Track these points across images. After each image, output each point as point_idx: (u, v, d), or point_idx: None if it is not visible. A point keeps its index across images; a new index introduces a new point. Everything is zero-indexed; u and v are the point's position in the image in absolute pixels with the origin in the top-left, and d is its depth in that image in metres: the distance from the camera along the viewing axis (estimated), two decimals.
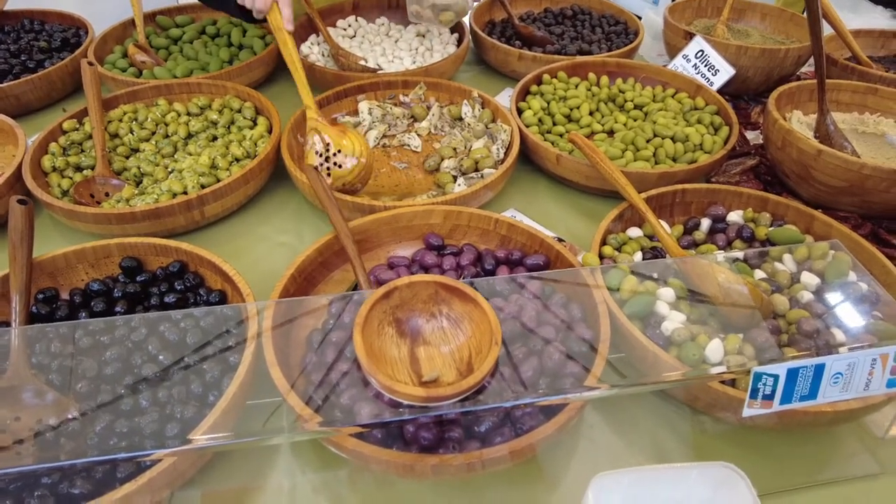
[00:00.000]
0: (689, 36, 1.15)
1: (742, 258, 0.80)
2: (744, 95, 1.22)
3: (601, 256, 0.78)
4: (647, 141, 0.97)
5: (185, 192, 0.86)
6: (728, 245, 0.83)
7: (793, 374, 0.56)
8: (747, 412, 0.57)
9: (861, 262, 0.78)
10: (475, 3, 1.34)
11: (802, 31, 1.20)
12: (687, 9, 1.34)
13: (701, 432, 0.69)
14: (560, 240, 0.89)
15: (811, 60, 1.19)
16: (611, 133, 1.05)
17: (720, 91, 1.14)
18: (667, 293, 0.69)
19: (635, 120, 1.07)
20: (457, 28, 1.30)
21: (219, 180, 0.89)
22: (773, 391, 0.57)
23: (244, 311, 0.67)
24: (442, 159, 0.99)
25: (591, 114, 1.10)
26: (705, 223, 0.85)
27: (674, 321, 0.67)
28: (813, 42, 0.91)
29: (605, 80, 1.15)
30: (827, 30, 1.17)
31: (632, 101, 1.10)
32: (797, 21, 1.26)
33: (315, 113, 0.89)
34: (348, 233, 0.76)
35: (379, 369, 0.51)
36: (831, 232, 0.80)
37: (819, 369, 0.56)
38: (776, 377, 0.56)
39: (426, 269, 0.77)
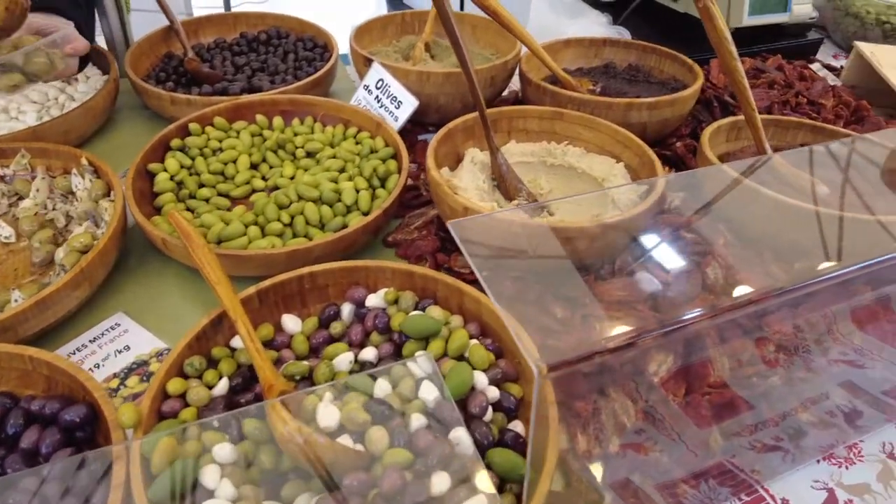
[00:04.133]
0: (369, 62, 0.98)
1: (374, 361, 0.63)
2: None
3: (166, 396, 0.57)
4: (286, 207, 0.78)
5: None
6: (366, 337, 0.66)
7: None
8: None
9: (508, 350, 0.64)
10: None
11: (511, 45, 1.06)
12: (390, 24, 1.18)
13: None
14: None
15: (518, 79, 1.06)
16: (274, 189, 0.86)
17: (418, 123, 0.99)
18: (222, 452, 0.50)
19: (306, 170, 0.88)
20: (104, 66, 1.06)
21: None
22: None
23: None
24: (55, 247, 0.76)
25: (255, 167, 0.90)
26: (347, 310, 0.68)
27: (219, 501, 0.48)
28: (462, 67, 0.76)
29: (278, 122, 0.95)
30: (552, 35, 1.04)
31: (302, 147, 0.91)
32: (506, 34, 1.12)
33: None
34: None
35: None
36: (480, 311, 0.65)
37: None
38: None
39: None
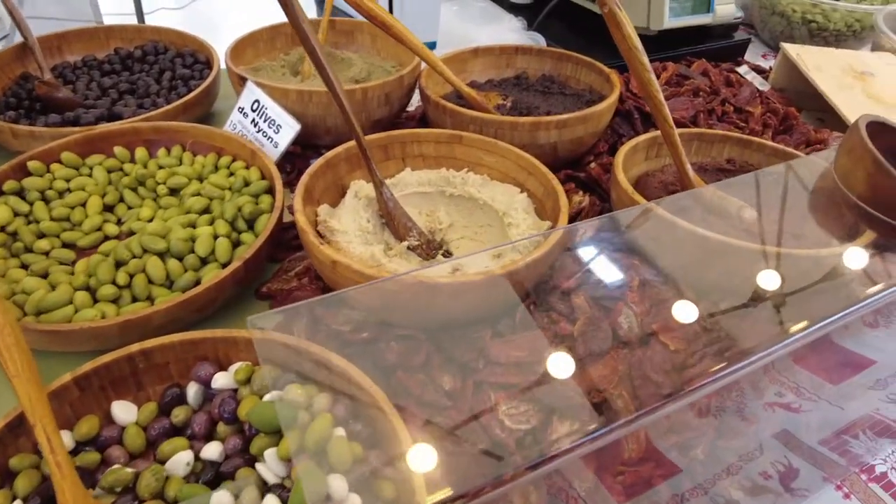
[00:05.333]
0: (244, 81, 0.86)
1: (219, 459, 0.52)
2: None
3: None
4: (124, 263, 0.65)
5: None
6: (213, 427, 0.54)
7: None
8: None
9: (384, 436, 0.53)
10: None
11: (412, 56, 0.95)
12: (278, 36, 1.05)
13: None
14: None
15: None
16: (130, 235, 0.73)
17: (309, 146, 0.87)
18: None
19: (166, 209, 0.76)
20: None
21: None
22: None
23: None
24: None
25: (111, 209, 0.77)
26: (192, 391, 0.56)
27: None
28: (328, 86, 0.64)
29: (141, 154, 0.82)
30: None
31: (164, 182, 0.79)
32: None
33: None
34: None
35: None
36: (357, 392, 0.54)
37: None
38: None
39: None
